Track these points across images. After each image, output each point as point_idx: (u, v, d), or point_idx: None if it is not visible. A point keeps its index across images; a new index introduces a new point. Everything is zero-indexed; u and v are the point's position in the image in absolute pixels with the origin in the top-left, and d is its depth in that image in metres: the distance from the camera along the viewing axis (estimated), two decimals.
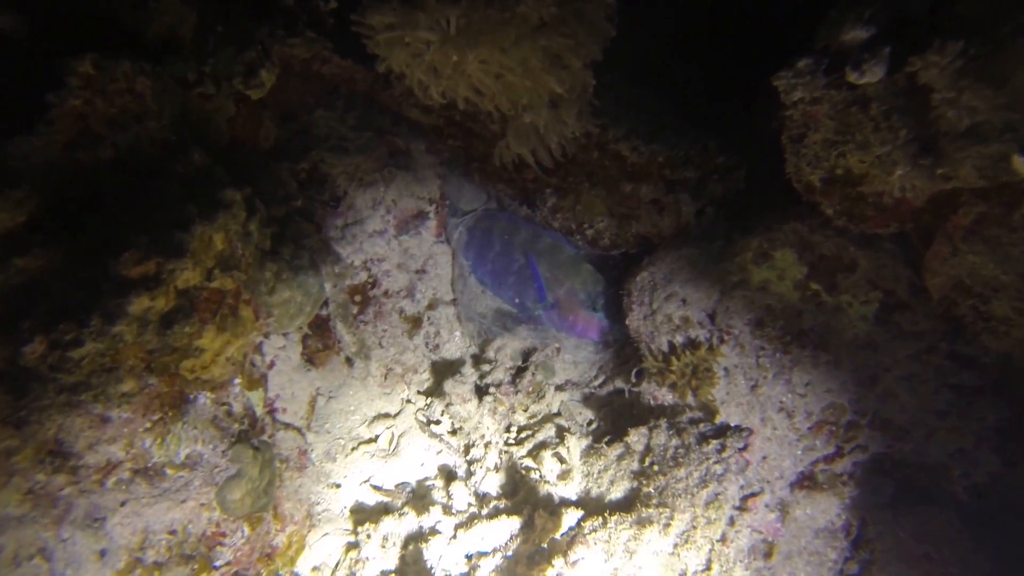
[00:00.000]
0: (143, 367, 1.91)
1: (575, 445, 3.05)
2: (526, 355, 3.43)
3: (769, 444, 2.60)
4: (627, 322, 3.17)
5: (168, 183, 2.08)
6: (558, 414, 3.38)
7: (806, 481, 2.81)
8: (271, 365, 2.99)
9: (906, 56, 1.99)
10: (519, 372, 3.34)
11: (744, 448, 2.38)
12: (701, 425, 2.59)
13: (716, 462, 2.36)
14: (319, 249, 2.91)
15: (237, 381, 2.40)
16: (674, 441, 2.55)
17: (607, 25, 2.24)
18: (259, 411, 2.64)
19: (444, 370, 3.58)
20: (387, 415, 3.50)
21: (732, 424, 2.67)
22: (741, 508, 2.30)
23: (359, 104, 3.74)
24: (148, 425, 1.97)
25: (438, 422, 3.44)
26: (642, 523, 2.33)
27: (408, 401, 3.56)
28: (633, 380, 3.15)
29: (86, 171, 1.99)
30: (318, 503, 3.10)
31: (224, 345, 2.13)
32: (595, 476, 2.84)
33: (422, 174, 3.77)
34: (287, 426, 2.99)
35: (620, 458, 2.79)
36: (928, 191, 2.04)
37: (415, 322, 3.60)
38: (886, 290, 2.62)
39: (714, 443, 2.44)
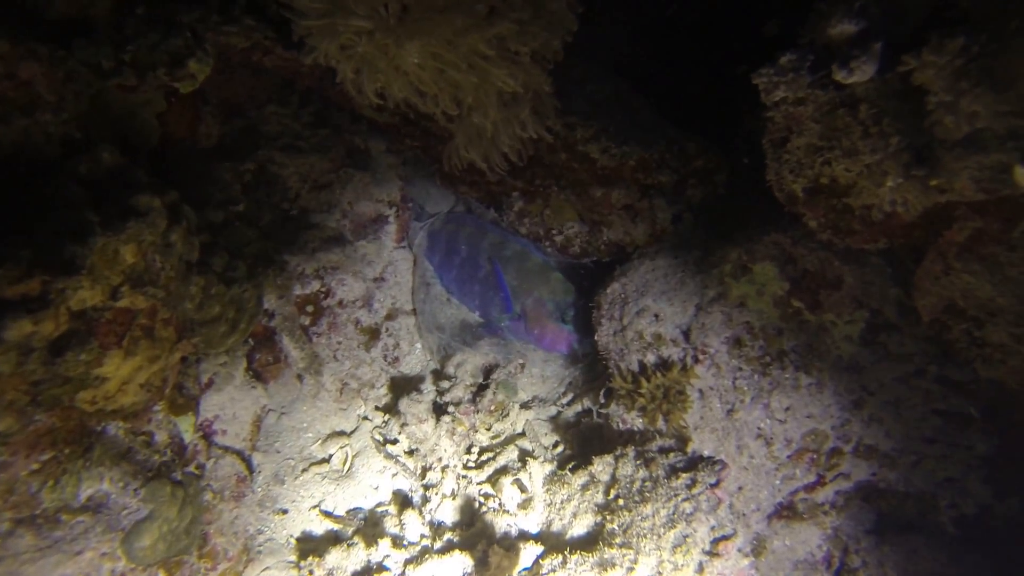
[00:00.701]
0: (27, 401, 1.67)
1: (538, 471, 2.82)
2: (488, 371, 3.20)
3: (745, 474, 2.40)
4: (596, 338, 2.95)
5: (65, 186, 1.83)
6: (522, 434, 3.16)
7: (784, 511, 2.61)
8: (209, 384, 2.74)
9: (900, 52, 1.77)
10: (480, 390, 3.11)
11: (716, 484, 2.16)
12: (672, 455, 2.38)
13: (685, 499, 2.15)
14: (259, 257, 2.66)
15: (158, 407, 2.16)
16: (641, 472, 2.34)
17: (568, 15, 2.01)
18: (188, 437, 2.39)
19: (404, 385, 3.35)
20: (342, 433, 3.27)
21: (705, 454, 2.46)
22: (711, 553, 2.09)
23: (316, 100, 3.50)
24: (35, 466, 1.72)
25: (395, 441, 3.21)
26: (604, 566, 2.11)
27: (365, 418, 3.33)
28: (601, 401, 2.93)
29: None
30: (261, 531, 2.86)
31: (134, 371, 1.88)
32: (557, 506, 2.62)
33: (382, 175, 3.53)
34: (226, 450, 2.75)
35: (584, 488, 2.57)
36: (922, 205, 1.82)
37: (372, 334, 3.36)
38: (872, 309, 2.41)
39: (684, 477, 2.22)
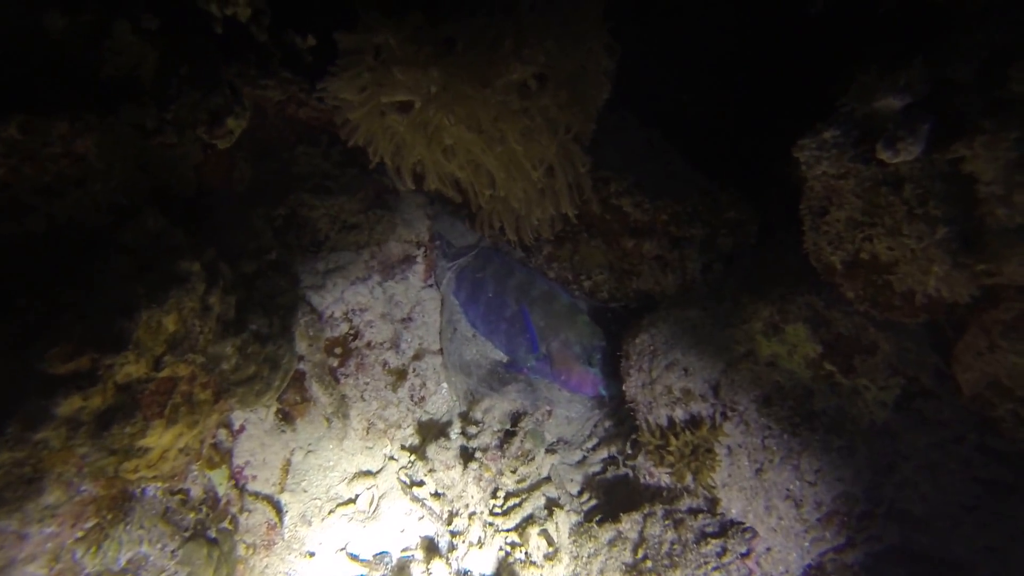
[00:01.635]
0: (74, 473, 1.69)
1: (564, 521, 2.82)
2: (515, 417, 3.20)
3: (774, 535, 2.38)
4: (624, 388, 2.94)
5: (114, 256, 1.85)
6: (548, 479, 3.16)
7: (814, 572, 2.59)
8: (240, 430, 2.77)
9: (949, 134, 1.76)
10: (508, 436, 3.12)
11: (747, 554, 2.15)
12: (700, 517, 2.37)
13: (715, 568, 2.14)
14: (291, 308, 2.68)
15: (195, 466, 2.18)
16: (670, 535, 2.33)
17: (605, 83, 2.00)
18: (222, 491, 2.42)
19: (429, 426, 3.36)
20: (368, 472, 3.28)
21: (733, 513, 2.44)
22: None
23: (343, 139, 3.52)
24: (80, 535, 1.75)
25: (421, 483, 3.21)
26: None
27: (391, 458, 3.34)
28: (628, 452, 2.93)
29: (12, 246, 1.76)
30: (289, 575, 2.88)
31: (175, 438, 1.90)
32: (584, 561, 2.62)
33: (410, 215, 3.54)
34: (256, 496, 2.77)
35: (611, 544, 2.57)
36: (968, 292, 1.80)
37: (400, 375, 3.37)
38: (908, 376, 2.39)
39: (714, 544, 2.21)
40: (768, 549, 2.50)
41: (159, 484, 1.96)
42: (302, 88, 2.57)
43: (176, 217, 2.29)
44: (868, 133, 1.95)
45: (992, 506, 2.46)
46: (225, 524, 2.24)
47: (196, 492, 2.18)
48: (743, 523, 2.33)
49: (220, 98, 2.29)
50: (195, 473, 2.20)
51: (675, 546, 2.25)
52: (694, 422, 2.63)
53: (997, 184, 1.59)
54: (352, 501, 3.17)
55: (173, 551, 1.98)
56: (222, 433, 2.42)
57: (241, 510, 2.46)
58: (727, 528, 2.29)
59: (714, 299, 3.00)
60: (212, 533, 2.14)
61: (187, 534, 2.01)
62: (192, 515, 2.08)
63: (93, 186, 1.90)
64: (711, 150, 3.24)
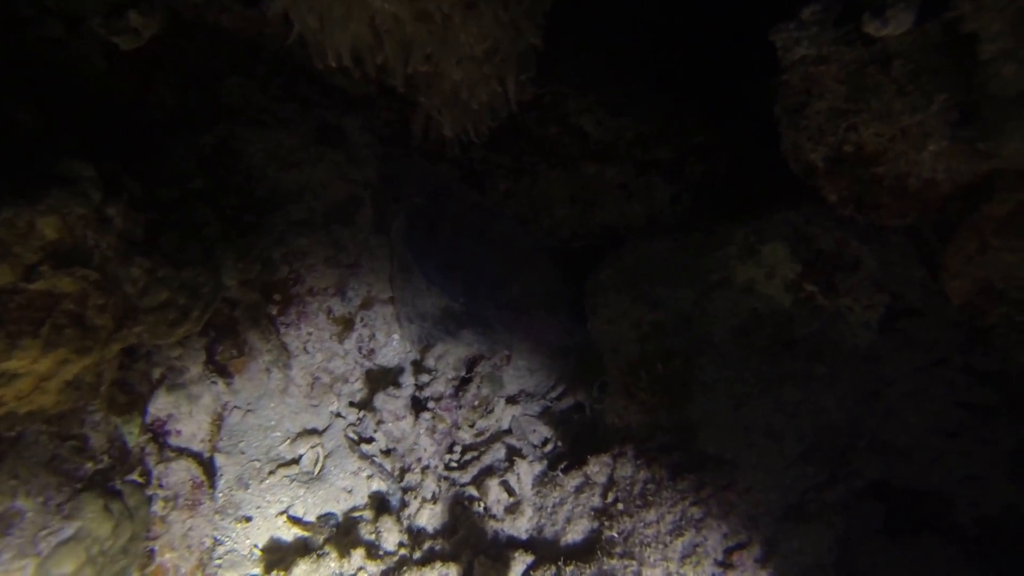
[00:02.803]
0: None
1: (526, 471, 2.59)
2: (472, 364, 2.96)
3: (755, 474, 2.19)
4: (589, 327, 2.72)
5: None
6: (509, 431, 2.93)
7: (794, 512, 2.40)
8: (161, 380, 2.47)
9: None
10: (463, 384, 2.87)
11: (728, 486, 1.95)
12: (675, 454, 2.16)
13: (694, 503, 1.93)
14: (217, 240, 2.39)
15: (93, 407, 1.88)
16: (643, 474, 2.11)
17: None
18: (133, 440, 2.13)
19: (380, 379, 3.10)
20: (313, 431, 3.01)
21: (710, 453, 2.24)
22: (724, 564, 1.88)
23: (285, 71, 3.22)
24: None
25: (371, 440, 2.96)
26: None
27: (338, 415, 3.07)
28: (595, 395, 2.71)
29: None
30: (221, 542, 2.60)
31: (57, 365, 1.61)
32: (549, 511, 2.39)
33: (356, 154, 3.26)
34: (180, 452, 2.48)
35: (579, 490, 2.34)
36: (969, 174, 1.61)
37: (346, 324, 3.10)
38: (893, 293, 2.21)
39: (691, 478, 2.00)
40: (748, 489, 2.31)
41: (42, 427, 1.67)
42: None
43: (71, 130, 2.00)
44: (854, 11, 1.74)
45: (974, 432, 2.31)
46: (134, 476, 1.95)
47: (97, 441, 1.89)
48: (720, 455, 2.12)
49: None
50: (96, 418, 1.90)
51: (649, 485, 2.03)
52: (666, 356, 2.42)
53: (1004, 37, 1.39)
54: (295, 462, 2.91)
55: (59, 505, 1.69)
56: (135, 378, 2.12)
57: (159, 462, 2.17)
58: (705, 462, 2.08)
59: (684, 230, 2.79)
60: (116, 485, 1.85)
61: (79, 487, 1.72)
62: (90, 464, 1.80)
63: None
64: (675, 73, 3.01)
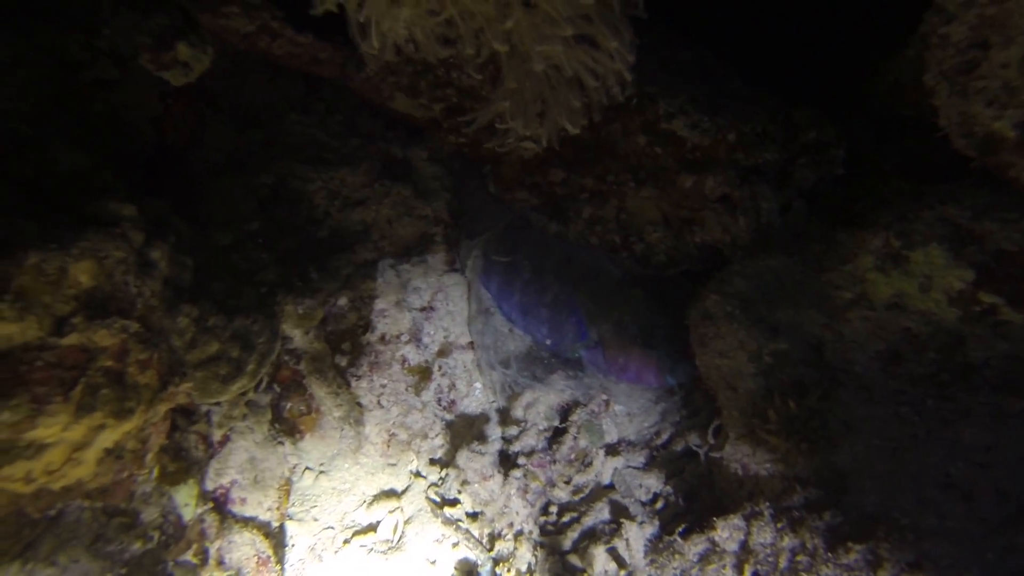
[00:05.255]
0: None
1: (636, 536, 2.20)
2: (565, 412, 2.61)
3: (941, 543, 1.72)
4: (697, 363, 2.34)
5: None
6: (611, 487, 2.55)
7: None
8: (223, 442, 2.25)
9: None
10: (556, 435, 2.52)
11: (915, 564, 1.50)
12: (828, 514, 1.73)
13: None
14: (276, 284, 2.17)
15: (140, 477, 1.65)
16: (787, 541, 1.69)
17: None
18: (190, 513, 1.89)
19: (463, 433, 2.79)
20: (392, 493, 2.72)
21: (869, 510, 1.79)
22: None
23: (344, 106, 3.06)
24: None
25: (455, 502, 2.64)
26: None
27: (417, 474, 2.77)
28: (710, 440, 2.31)
29: None
30: None
31: (93, 432, 1.38)
32: None
33: (424, 187, 3.04)
34: (246, 523, 2.23)
35: (704, 560, 1.93)
36: None
37: (423, 374, 2.82)
38: None
39: (858, 549, 1.57)
40: (941, 567, 1.82)
41: (83, 501, 1.43)
42: (274, 16, 2.11)
43: (122, 173, 1.83)
44: None
45: None
46: (188, 557, 1.70)
47: (149, 515, 1.64)
48: (894, 515, 1.68)
49: (164, 17, 1.84)
50: (147, 490, 1.67)
51: (799, 556, 1.61)
52: (798, 391, 2.01)
53: None
54: (372, 528, 2.62)
55: None
56: (190, 442, 1.90)
57: (218, 538, 1.91)
58: (873, 527, 1.64)
59: (799, 243, 2.39)
60: (168, 567, 1.60)
61: (123, 572, 1.47)
62: (138, 544, 1.55)
63: None
64: (775, 70, 2.66)
